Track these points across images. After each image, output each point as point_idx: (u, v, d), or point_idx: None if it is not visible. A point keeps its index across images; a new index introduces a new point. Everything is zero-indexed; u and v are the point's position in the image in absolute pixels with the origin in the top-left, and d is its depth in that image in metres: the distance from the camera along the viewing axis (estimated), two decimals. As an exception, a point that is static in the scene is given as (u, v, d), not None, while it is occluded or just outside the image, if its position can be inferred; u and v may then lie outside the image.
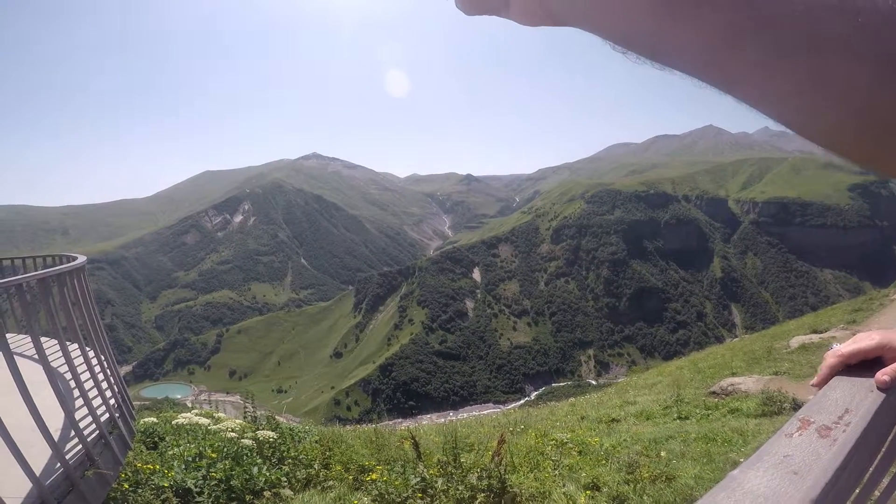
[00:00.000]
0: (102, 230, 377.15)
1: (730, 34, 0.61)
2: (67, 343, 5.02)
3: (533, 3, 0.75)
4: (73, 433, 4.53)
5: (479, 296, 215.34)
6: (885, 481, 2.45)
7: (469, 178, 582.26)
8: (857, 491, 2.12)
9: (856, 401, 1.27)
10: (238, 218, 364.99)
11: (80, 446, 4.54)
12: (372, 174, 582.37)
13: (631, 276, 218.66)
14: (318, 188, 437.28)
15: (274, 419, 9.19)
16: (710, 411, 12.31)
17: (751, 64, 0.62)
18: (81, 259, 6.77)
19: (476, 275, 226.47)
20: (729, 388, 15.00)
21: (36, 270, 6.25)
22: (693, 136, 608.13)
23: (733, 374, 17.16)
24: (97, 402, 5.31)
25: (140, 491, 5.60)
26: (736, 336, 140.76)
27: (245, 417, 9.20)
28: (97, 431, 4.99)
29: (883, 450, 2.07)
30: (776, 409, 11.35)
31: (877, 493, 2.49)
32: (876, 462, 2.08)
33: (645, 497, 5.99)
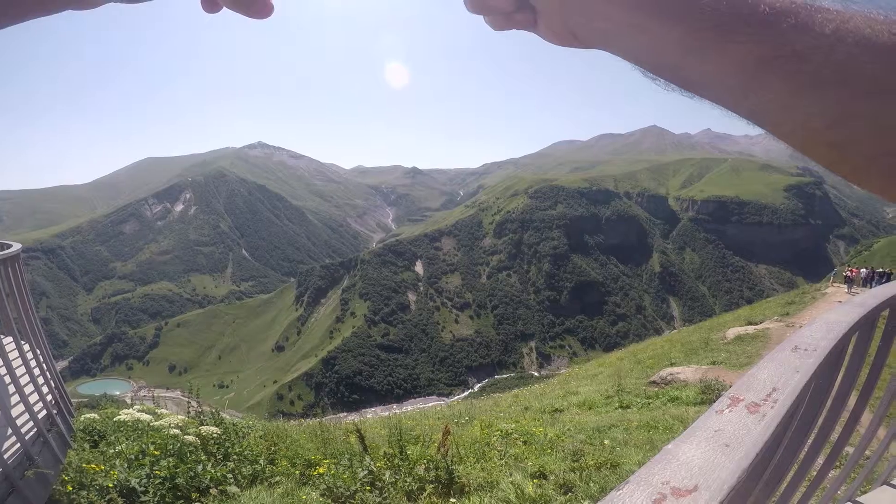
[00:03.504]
0: (38, 217, 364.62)
1: (757, 67, 0.61)
2: (1, 337, 4.86)
3: (560, 25, 0.75)
4: (10, 431, 4.38)
5: (421, 289, 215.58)
6: (821, 460, 2.56)
7: (414, 171, 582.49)
8: (796, 467, 2.21)
9: (783, 380, 1.31)
10: (179, 207, 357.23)
11: (19, 445, 4.39)
12: (317, 165, 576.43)
13: (572, 270, 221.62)
14: (262, 178, 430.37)
15: (218, 415, 9.05)
16: (650, 400, 12.58)
17: (779, 97, 0.61)
18: (16, 247, 6.53)
19: (418, 268, 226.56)
20: (668, 377, 15.36)
21: (-34, 261, 5.98)
22: (637, 136, 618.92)
23: (672, 365, 17.59)
24: (34, 398, 5.15)
25: (84, 492, 5.45)
26: (674, 328, 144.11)
27: (189, 413, 9.04)
28: (35, 430, 4.84)
29: (815, 430, 2.16)
30: (714, 396, 11.68)
31: (814, 471, 2.60)
32: (810, 440, 2.17)
33: (591, 484, 6.10)
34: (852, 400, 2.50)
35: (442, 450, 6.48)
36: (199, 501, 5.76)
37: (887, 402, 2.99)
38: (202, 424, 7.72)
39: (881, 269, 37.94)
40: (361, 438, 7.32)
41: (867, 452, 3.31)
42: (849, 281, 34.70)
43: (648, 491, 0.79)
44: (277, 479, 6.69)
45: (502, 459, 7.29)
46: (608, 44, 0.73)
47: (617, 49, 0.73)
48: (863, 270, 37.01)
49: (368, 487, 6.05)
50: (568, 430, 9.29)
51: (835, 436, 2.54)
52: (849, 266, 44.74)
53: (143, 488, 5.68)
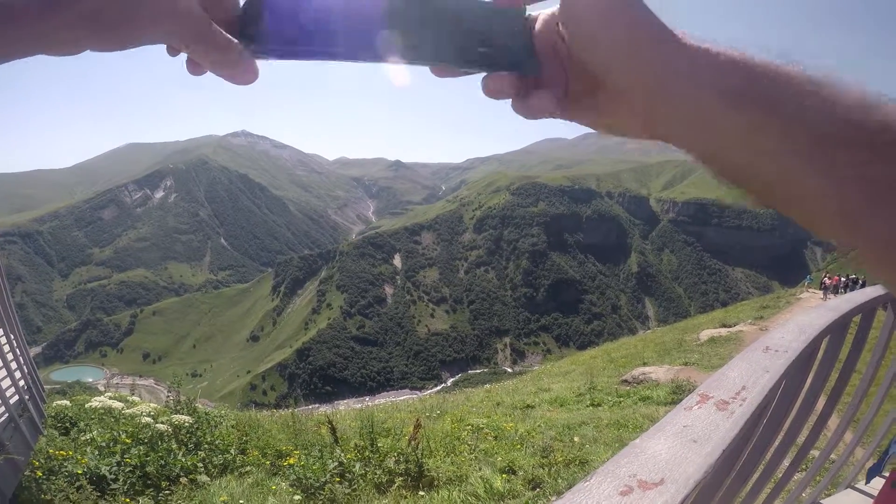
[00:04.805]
0: (16, 201, 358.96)
1: (875, 188, 0.46)
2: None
3: (635, 123, 0.60)
4: (-21, 415, 4.32)
5: (398, 282, 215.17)
6: (787, 462, 2.59)
7: (397, 164, 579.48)
8: (763, 467, 2.24)
9: (752, 379, 1.33)
10: (159, 194, 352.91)
11: (-12, 430, 4.33)
12: (300, 155, 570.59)
13: (550, 268, 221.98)
14: (244, 167, 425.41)
15: (192, 403, 9.00)
16: (621, 399, 12.63)
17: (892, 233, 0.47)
18: (-10, 231, 6.42)
19: (397, 261, 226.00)
20: (640, 376, 15.47)
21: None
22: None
23: (645, 364, 17.73)
24: (6, 383, 5.08)
25: (53, 479, 5.40)
26: (649, 328, 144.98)
27: (167, 402, 8.98)
28: (7, 415, 4.78)
29: (783, 431, 2.19)
30: (684, 397, 11.74)
31: (780, 472, 2.63)
32: (778, 441, 2.20)
33: (559, 480, 6.12)
34: (821, 403, 2.54)
35: (413, 443, 6.48)
36: (168, 490, 5.74)
37: (855, 406, 3.04)
38: (175, 413, 7.68)
39: (854, 276, 38.47)
40: (333, 430, 7.32)
41: (833, 456, 3.36)
42: (825, 287, 35.14)
43: (615, 483, 0.79)
44: (248, 468, 6.67)
45: (472, 454, 7.30)
46: (681, 139, 0.57)
47: (703, 160, 0.58)
48: (842, 279, 37.52)
49: (338, 479, 6.04)
50: (538, 426, 9.31)
51: (802, 438, 2.57)
52: (827, 273, 45.41)
53: (113, 476, 5.64)
